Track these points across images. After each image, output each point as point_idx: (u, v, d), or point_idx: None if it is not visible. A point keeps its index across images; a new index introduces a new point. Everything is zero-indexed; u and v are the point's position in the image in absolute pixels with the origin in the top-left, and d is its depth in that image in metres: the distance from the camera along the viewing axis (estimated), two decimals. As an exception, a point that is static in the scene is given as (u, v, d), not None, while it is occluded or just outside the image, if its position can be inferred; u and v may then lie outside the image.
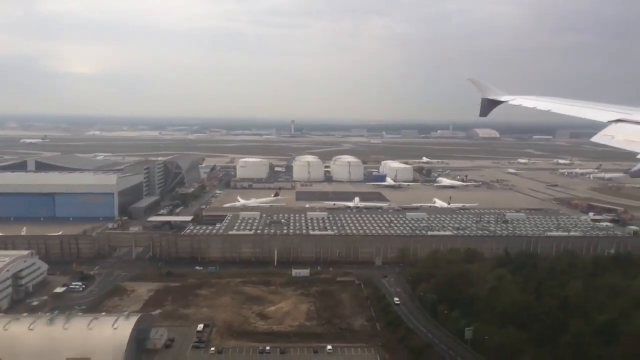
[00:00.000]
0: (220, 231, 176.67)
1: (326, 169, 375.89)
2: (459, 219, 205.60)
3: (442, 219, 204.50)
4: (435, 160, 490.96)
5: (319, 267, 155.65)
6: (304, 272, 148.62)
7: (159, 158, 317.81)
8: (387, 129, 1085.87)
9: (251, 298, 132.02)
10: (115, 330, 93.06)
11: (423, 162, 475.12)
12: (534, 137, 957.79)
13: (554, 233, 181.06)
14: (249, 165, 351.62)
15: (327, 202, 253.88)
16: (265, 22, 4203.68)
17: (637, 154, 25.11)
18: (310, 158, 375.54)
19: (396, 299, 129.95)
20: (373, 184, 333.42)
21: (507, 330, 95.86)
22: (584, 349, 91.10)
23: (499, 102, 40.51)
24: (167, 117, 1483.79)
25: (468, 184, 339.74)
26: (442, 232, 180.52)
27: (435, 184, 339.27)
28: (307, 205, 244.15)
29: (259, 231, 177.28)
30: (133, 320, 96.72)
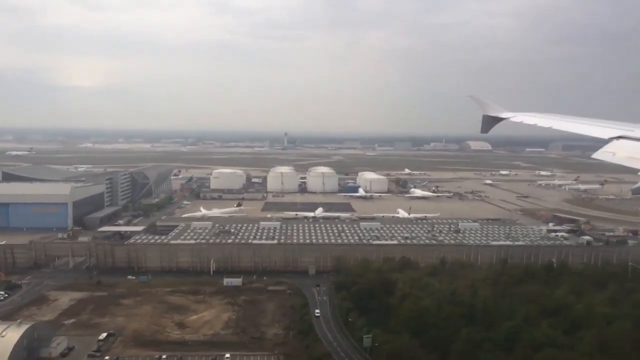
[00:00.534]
0: (165, 241, 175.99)
1: (303, 180, 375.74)
2: (412, 228, 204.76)
3: (396, 228, 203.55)
4: (417, 172, 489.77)
5: (254, 276, 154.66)
6: (237, 281, 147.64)
7: (130, 169, 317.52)
8: (380, 141, 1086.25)
9: (174, 307, 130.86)
10: (1, 338, 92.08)
11: (405, 174, 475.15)
12: (527, 149, 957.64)
13: (497, 242, 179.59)
14: (223, 176, 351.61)
15: (289, 213, 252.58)
16: (264, 35, 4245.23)
17: (639, 170, 25.05)
18: (284, 169, 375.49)
19: (317, 310, 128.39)
20: (345, 195, 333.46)
21: (402, 337, 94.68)
22: (476, 356, 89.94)
23: (500, 119, 41.13)
24: (166, 130, 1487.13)
25: (440, 194, 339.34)
26: (386, 242, 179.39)
27: (407, 195, 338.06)
28: (269, 215, 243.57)
29: (203, 240, 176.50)
30: (23, 328, 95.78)
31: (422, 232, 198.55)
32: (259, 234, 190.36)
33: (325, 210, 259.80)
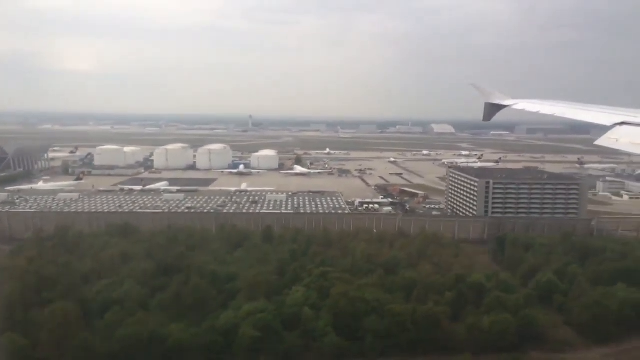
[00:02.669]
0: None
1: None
2: (202, 199, 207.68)
3: (200, 200, 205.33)
4: (338, 152, 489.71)
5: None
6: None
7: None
8: (347, 124, 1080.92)
9: None
10: None
11: (324, 153, 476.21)
12: (491, 132, 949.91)
13: (258, 211, 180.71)
14: (105, 152, 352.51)
15: (136, 187, 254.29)
16: (255, 19, 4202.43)
17: None
18: (172, 146, 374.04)
19: None
20: (228, 172, 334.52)
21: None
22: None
23: (502, 107, 41.23)
24: (148, 113, 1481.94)
25: (321, 171, 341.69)
26: (149, 210, 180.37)
27: (283, 172, 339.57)
28: (102, 189, 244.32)
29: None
30: None
31: (212, 202, 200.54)
32: (51, 204, 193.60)
33: (182, 184, 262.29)
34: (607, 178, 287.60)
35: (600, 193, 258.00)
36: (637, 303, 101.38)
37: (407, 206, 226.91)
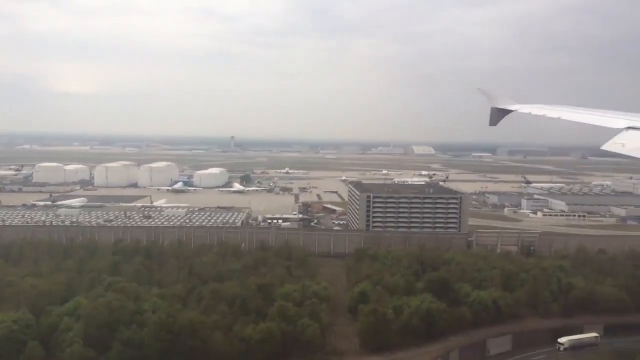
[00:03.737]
0: None
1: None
2: (118, 214, 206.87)
3: (98, 214, 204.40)
4: (297, 171, 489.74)
5: None
6: None
7: None
8: (331, 145, 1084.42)
9: None
10: None
11: (283, 172, 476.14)
12: (473, 154, 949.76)
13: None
14: (44, 170, 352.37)
15: (48, 202, 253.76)
16: (253, 42, 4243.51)
17: None
18: (113, 164, 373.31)
19: None
20: (165, 189, 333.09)
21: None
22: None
23: (508, 111, 41.40)
24: (140, 135, 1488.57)
25: (258, 189, 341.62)
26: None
27: (222, 189, 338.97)
28: (11, 204, 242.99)
29: None
30: None
31: (104, 217, 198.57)
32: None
33: (104, 201, 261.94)
34: (536, 196, 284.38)
35: (521, 210, 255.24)
36: (429, 312, 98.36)
37: (315, 221, 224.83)
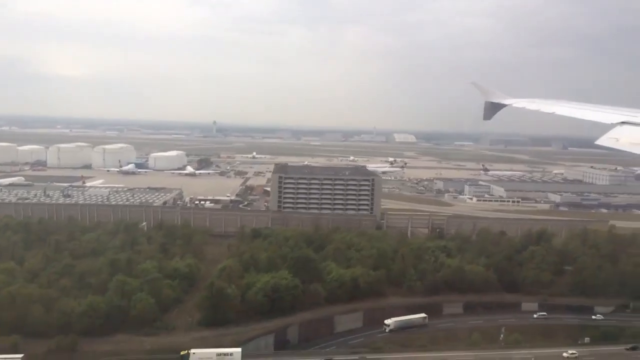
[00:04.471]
0: None
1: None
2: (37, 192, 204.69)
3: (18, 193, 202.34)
4: (263, 156, 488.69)
5: None
6: None
7: None
8: (314, 132, 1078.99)
9: None
10: None
11: (249, 157, 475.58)
12: (455, 143, 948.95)
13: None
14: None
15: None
16: (242, 29, 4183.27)
17: None
18: (66, 145, 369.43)
19: None
20: (116, 170, 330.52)
21: None
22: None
23: (502, 105, 41.75)
24: (125, 119, 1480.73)
25: (211, 172, 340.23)
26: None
27: (175, 172, 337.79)
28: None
29: None
30: None
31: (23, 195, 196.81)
32: None
33: (42, 180, 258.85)
34: (480, 182, 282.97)
35: (461, 196, 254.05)
36: (276, 289, 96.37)
37: (246, 203, 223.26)
